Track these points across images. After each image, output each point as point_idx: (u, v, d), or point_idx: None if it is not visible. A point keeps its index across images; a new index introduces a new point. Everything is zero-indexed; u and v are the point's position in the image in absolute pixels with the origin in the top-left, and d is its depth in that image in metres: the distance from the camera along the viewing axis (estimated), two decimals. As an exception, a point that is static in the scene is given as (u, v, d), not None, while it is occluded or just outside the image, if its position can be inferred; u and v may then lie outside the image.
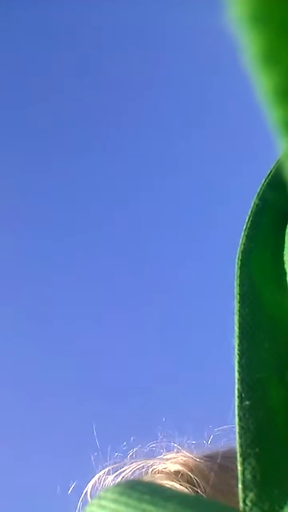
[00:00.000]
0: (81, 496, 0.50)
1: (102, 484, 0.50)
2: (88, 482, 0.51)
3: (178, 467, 0.46)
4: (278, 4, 0.10)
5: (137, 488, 0.18)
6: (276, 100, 0.11)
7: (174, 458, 0.48)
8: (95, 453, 0.52)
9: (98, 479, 0.50)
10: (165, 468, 0.46)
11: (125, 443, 0.52)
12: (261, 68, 0.11)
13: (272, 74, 0.11)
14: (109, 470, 0.50)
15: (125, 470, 0.49)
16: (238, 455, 0.21)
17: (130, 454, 0.51)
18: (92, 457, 0.52)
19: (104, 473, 0.50)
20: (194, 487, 0.44)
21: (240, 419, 0.22)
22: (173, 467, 0.46)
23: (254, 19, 0.10)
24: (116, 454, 0.52)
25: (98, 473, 0.51)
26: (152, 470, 0.47)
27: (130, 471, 0.48)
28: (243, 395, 0.22)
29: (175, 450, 0.50)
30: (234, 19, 0.10)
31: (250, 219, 0.27)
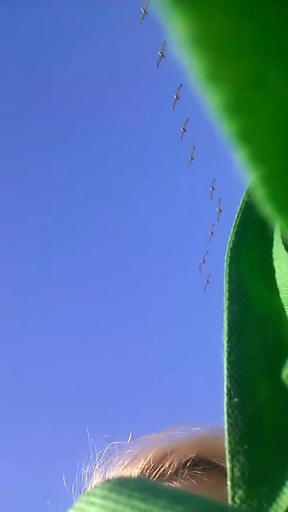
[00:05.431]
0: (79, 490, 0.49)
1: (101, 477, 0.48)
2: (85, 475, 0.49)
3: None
4: (219, 25, 0.10)
5: (127, 485, 0.18)
6: (225, 116, 0.12)
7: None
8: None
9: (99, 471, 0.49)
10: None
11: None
12: (206, 86, 0.11)
13: (218, 92, 0.11)
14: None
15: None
16: (227, 452, 0.21)
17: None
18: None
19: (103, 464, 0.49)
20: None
21: (229, 416, 0.22)
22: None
23: (196, 41, 0.10)
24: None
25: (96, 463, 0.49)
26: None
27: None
28: (232, 392, 0.22)
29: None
30: (177, 41, 0.11)
31: (239, 216, 0.27)
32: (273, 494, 0.20)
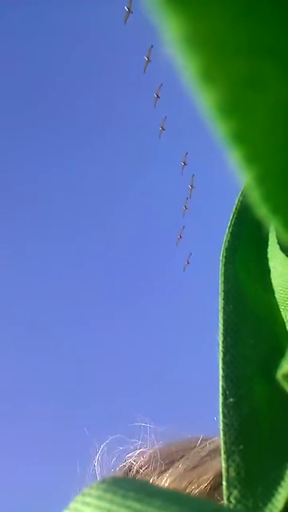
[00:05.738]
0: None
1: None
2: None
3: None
4: (214, 25, 0.10)
5: (122, 485, 0.18)
6: (219, 117, 0.11)
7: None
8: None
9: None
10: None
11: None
12: (201, 87, 0.11)
13: (212, 92, 0.11)
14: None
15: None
16: (222, 452, 0.21)
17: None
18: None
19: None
20: None
21: (224, 416, 0.22)
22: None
23: (190, 41, 0.10)
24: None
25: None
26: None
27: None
28: (227, 392, 0.22)
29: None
30: (170, 41, 0.11)
31: (235, 216, 0.27)
32: (269, 494, 0.20)
